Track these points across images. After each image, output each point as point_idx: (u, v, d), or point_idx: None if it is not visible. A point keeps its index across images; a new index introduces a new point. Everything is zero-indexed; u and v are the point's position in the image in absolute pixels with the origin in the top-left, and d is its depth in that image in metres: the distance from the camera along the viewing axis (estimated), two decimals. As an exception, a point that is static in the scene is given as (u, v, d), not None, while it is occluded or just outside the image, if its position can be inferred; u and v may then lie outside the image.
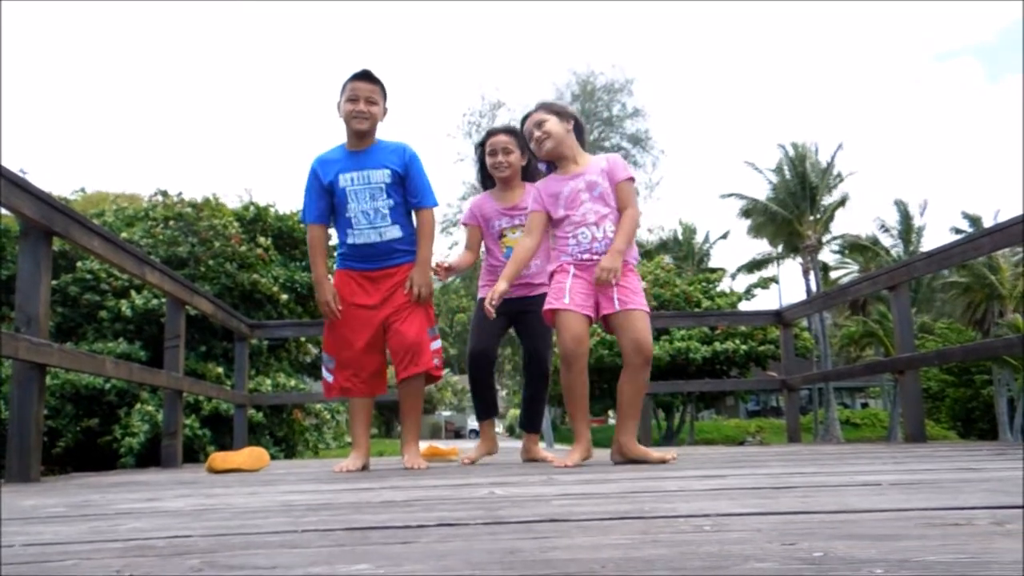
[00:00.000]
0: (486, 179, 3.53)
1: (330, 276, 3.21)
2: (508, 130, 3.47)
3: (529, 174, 3.44)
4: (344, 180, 3.03)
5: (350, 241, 3.08)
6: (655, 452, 2.92)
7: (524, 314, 3.39)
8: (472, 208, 3.51)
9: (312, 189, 3.11)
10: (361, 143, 3.06)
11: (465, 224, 3.58)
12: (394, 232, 3.06)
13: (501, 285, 2.91)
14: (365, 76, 3.03)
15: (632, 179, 3.00)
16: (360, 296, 3.08)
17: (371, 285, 3.09)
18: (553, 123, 2.99)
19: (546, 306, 2.93)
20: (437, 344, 3.14)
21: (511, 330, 3.59)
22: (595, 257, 2.91)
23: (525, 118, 3.10)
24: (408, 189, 3.06)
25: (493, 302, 2.88)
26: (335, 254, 3.28)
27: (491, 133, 3.47)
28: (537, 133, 3.00)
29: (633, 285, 2.93)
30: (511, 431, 51.43)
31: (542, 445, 3.74)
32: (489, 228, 3.46)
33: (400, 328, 3.03)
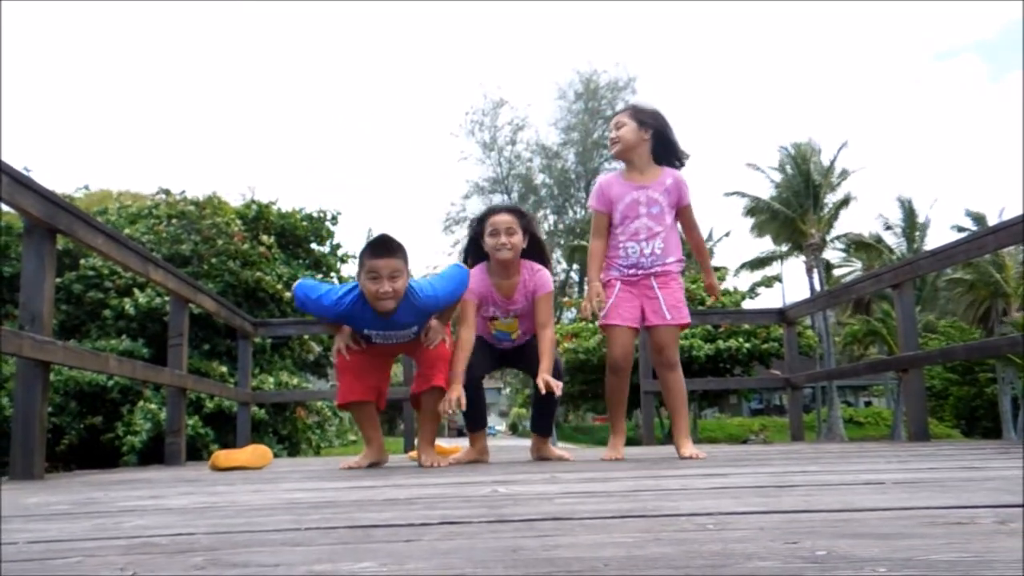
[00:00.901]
0: (476, 256, 3.31)
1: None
2: (511, 209, 3.29)
3: (533, 254, 3.30)
4: (369, 332, 3.02)
5: (368, 339, 3.10)
6: (692, 450, 3.21)
7: (518, 355, 3.44)
8: (472, 286, 3.22)
9: (324, 312, 3.00)
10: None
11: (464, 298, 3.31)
12: (411, 334, 3.06)
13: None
14: (384, 250, 2.80)
15: (690, 204, 3.30)
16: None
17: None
18: (629, 130, 3.23)
19: (600, 321, 3.27)
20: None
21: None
22: (639, 272, 3.24)
23: (613, 115, 3.39)
24: (442, 310, 3.08)
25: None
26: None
27: (493, 211, 3.25)
28: (612, 134, 3.29)
29: (676, 297, 3.27)
30: (514, 429, 51.47)
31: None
32: (481, 307, 3.28)
33: (426, 346, 3.06)
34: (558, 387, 3.07)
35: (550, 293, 3.28)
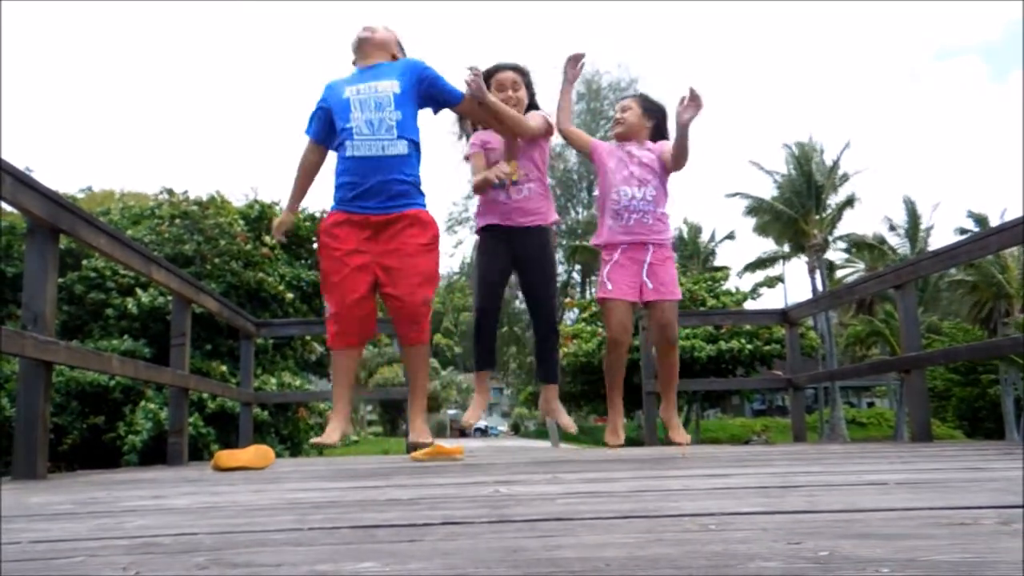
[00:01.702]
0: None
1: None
2: (515, 67, 3.41)
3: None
4: (349, 91, 2.85)
5: (348, 154, 2.82)
6: (680, 436, 3.51)
7: (524, 259, 3.38)
8: (475, 140, 3.43)
9: (316, 113, 2.99)
10: (369, 60, 2.96)
11: (469, 155, 3.46)
12: (399, 148, 2.79)
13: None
14: (365, 29, 3.01)
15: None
16: (353, 249, 2.86)
17: (366, 237, 2.85)
18: (634, 115, 3.45)
19: (598, 294, 3.45)
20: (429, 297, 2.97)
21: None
22: (632, 220, 3.35)
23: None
24: (436, 97, 2.93)
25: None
26: (333, 192, 2.96)
27: (498, 69, 3.36)
28: (617, 115, 3.50)
29: (671, 274, 3.43)
30: (516, 429, 51.47)
31: (547, 443, 3.78)
32: (491, 159, 3.35)
33: (401, 293, 2.82)
34: (506, 175, 3.12)
35: (543, 116, 3.34)
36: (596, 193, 3.58)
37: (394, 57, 3.06)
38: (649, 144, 3.44)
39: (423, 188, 2.97)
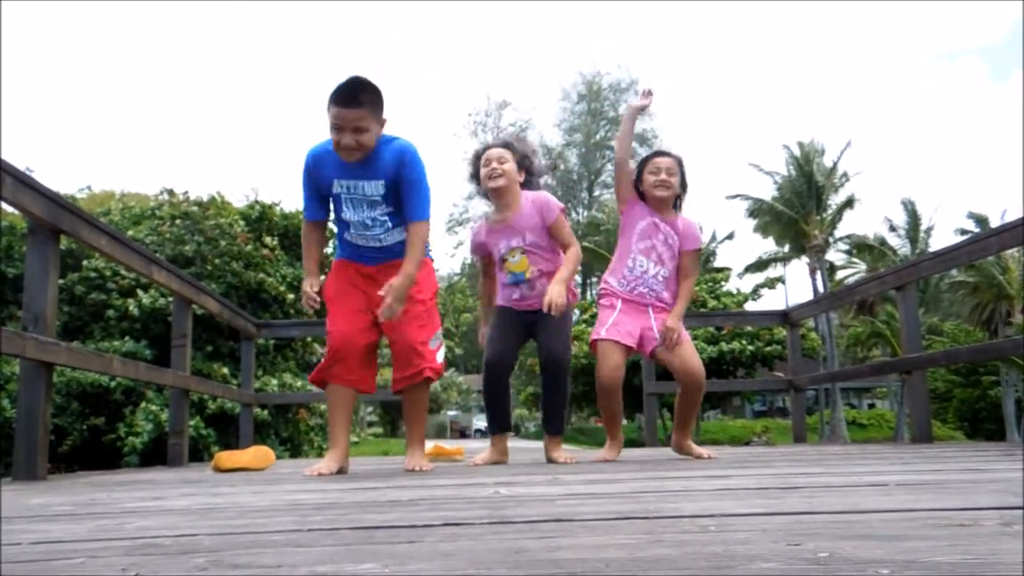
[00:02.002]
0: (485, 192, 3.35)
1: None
2: (503, 144, 3.31)
3: (529, 187, 3.31)
4: (338, 187, 2.75)
5: (348, 239, 2.84)
6: (702, 450, 3.35)
7: (537, 322, 3.25)
8: (472, 242, 3.42)
9: (307, 187, 2.85)
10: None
11: (474, 256, 3.56)
12: (396, 236, 2.80)
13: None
14: (347, 98, 2.55)
15: (699, 250, 3.40)
16: (356, 286, 2.85)
17: (369, 278, 2.84)
18: (676, 181, 3.26)
19: (592, 336, 3.25)
20: (438, 349, 2.94)
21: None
22: (635, 292, 3.25)
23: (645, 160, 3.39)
24: (401, 199, 2.73)
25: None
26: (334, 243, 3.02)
27: (486, 148, 3.31)
28: (664, 177, 3.24)
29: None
30: (516, 430, 51.52)
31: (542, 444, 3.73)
32: (492, 256, 3.33)
33: (400, 328, 2.76)
34: (557, 308, 2.99)
35: (559, 215, 3.22)
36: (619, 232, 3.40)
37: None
38: (677, 222, 3.32)
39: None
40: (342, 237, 2.90)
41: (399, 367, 2.85)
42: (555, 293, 3.00)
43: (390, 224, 2.78)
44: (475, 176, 3.30)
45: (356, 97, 2.55)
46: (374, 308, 2.74)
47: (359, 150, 2.60)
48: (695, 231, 3.34)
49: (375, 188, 2.71)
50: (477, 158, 3.29)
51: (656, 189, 3.21)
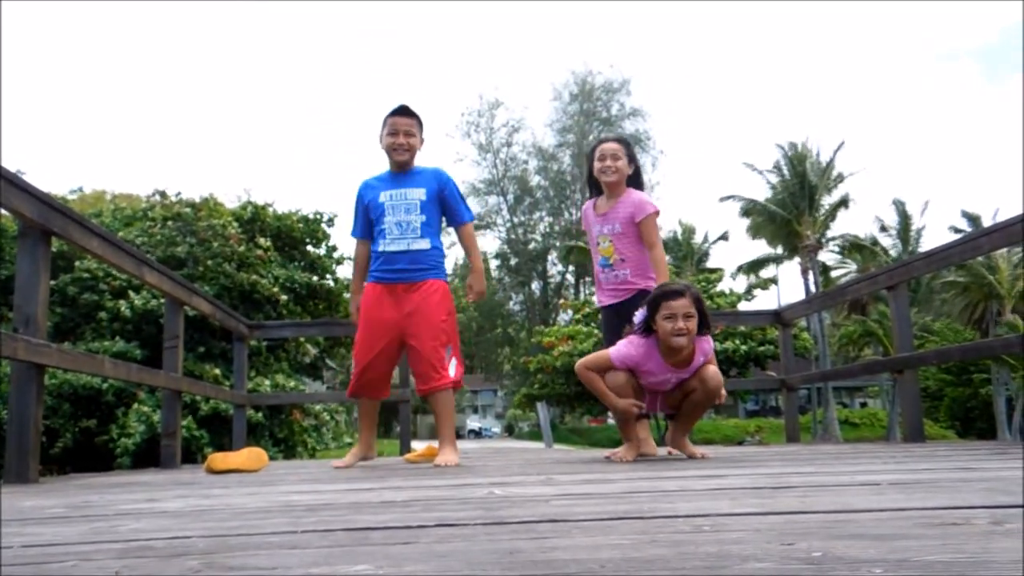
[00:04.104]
0: (592, 187, 3.64)
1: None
2: (618, 139, 3.62)
3: (637, 183, 3.56)
4: (384, 196, 3.32)
5: (381, 249, 3.32)
6: (696, 449, 3.26)
7: (621, 320, 3.36)
8: (583, 213, 3.73)
9: (358, 209, 3.44)
10: (402, 170, 3.35)
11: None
12: (422, 244, 3.29)
13: None
14: (404, 112, 3.31)
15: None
16: (382, 310, 3.30)
17: (394, 300, 3.30)
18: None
19: (617, 363, 3.00)
20: (450, 361, 3.31)
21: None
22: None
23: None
24: (446, 210, 3.38)
25: None
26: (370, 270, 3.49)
27: (602, 140, 3.59)
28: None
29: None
30: (510, 431, 51.50)
31: (541, 444, 3.74)
32: (590, 235, 3.63)
33: (417, 345, 3.24)
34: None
35: (651, 215, 3.43)
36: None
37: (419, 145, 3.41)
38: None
39: (442, 262, 3.44)
40: (376, 251, 3.36)
41: (420, 379, 3.30)
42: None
43: (419, 232, 3.29)
44: (589, 167, 3.57)
45: (408, 110, 3.32)
46: (395, 330, 3.28)
47: (409, 150, 3.29)
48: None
49: (417, 194, 3.30)
50: (592, 151, 3.55)
51: (674, 340, 2.93)
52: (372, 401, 3.48)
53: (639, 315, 3.03)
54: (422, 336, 3.23)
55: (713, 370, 3.06)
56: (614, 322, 3.44)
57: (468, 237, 3.45)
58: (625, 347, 3.01)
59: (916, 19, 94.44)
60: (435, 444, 3.62)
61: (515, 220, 35.56)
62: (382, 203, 3.32)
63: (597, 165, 3.48)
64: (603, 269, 3.55)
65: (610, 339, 3.41)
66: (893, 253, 31.79)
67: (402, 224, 3.28)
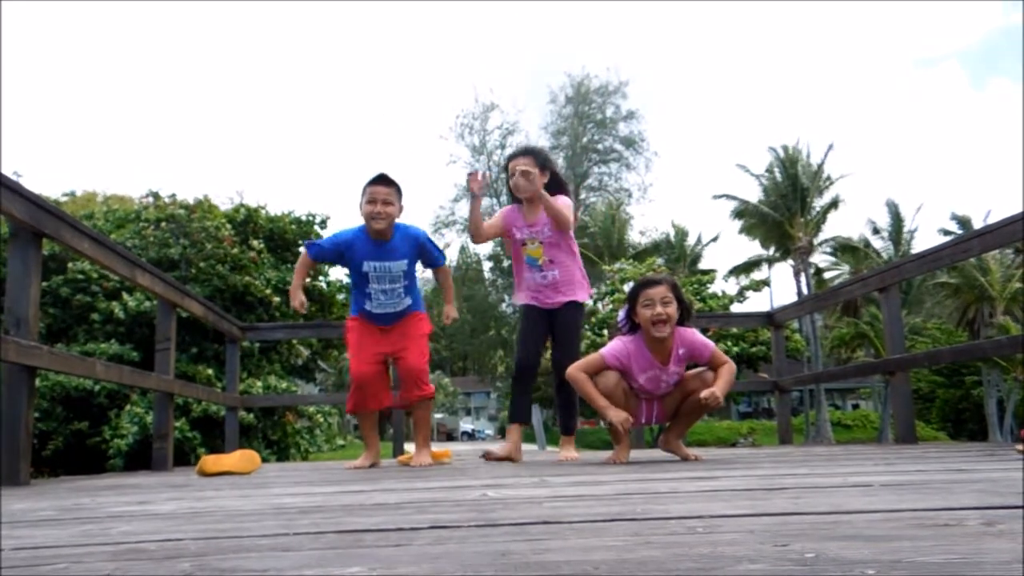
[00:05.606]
0: (515, 197, 3.74)
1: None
2: (525, 151, 3.73)
3: (558, 188, 3.68)
4: (368, 266, 3.46)
5: (368, 309, 3.52)
6: (689, 451, 3.29)
7: (556, 324, 3.73)
8: (503, 213, 3.82)
9: (333, 247, 3.51)
10: (381, 237, 3.44)
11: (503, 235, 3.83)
12: (406, 303, 3.56)
13: None
14: (382, 180, 3.41)
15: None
16: (373, 333, 3.55)
17: (383, 334, 3.57)
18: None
19: (610, 360, 3.05)
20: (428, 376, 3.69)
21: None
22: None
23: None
24: (424, 259, 3.60)
25: None
26: (351, 299, 3.71)
27: (511, 157, 3.71)
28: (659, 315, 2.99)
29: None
30: (503, 433, 51.57)
31: (534, 447, 3.82)
32: (511, 236, 3.74)
33: (406, 358, 3.52)
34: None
35: (569, 206, 3.66)
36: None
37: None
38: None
39: (420, 299, 3.71)
40: (362, 306, 3.54)
41: (406, 389, 3.55)
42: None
43: (403, 293, 3.53)
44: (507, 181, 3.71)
45: (387, 179, 3.42)
46: (385, 350, 3.56)
47: (386, 219, 3.37)
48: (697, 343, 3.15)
49: (400, 267, 3.48)
50: (505, 168, 3.71)
51: (655, 328, 2.97)
52: (371, 413, 3.65)
53: (621, 313, 3.18)
54: (410, 351, 3.52)
55: (727, 368, 3.08)
56: (540, 326, 3.73)
57: (444, 278, 3.81)
58: (615, 344, 3.14)
59: (902, 23, 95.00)
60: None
61: (508, 222, 35.43)
62: (366, 272, 3.48)
63: (511, 182, 3.63)
64: (530, 268, 3.72)
65: (532, 338, 3.75)
66: (885, 255, 31.89)
67: (388, 291, 3.49)
